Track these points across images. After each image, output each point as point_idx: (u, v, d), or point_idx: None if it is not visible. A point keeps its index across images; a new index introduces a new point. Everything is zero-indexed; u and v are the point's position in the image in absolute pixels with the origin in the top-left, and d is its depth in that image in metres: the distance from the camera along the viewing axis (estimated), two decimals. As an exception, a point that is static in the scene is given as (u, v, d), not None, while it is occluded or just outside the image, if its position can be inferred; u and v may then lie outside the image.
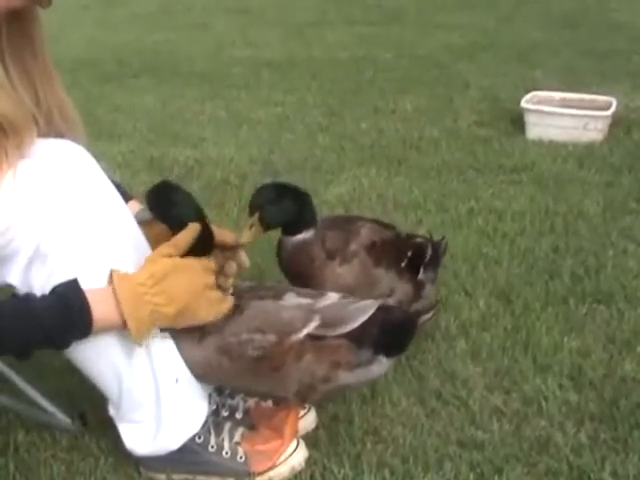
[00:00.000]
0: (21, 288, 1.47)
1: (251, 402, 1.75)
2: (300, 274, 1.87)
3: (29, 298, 1.41)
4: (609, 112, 3.64)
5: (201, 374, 1.59)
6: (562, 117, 3.66)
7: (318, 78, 4.96)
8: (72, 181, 1.48)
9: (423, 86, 4.71)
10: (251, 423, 1.71)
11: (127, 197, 1.68)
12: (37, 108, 1.54)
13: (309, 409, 1.76)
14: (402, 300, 1.98)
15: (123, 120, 4.17)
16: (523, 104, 3.74)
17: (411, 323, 1.67)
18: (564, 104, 3.81)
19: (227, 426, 1.66)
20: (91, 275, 1.45)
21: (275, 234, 1.89)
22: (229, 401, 1.73)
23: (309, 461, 1.67)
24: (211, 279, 1.52)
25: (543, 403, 1.83)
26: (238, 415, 1.71)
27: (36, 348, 1.41)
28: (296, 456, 1.65)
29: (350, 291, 1.74)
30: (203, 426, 1.62)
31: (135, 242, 1.58)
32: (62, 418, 1.75)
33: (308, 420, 1.76)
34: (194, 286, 1.49)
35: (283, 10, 7.69)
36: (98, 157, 1.59)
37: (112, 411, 1.61)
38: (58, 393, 1.81)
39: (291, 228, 1.87)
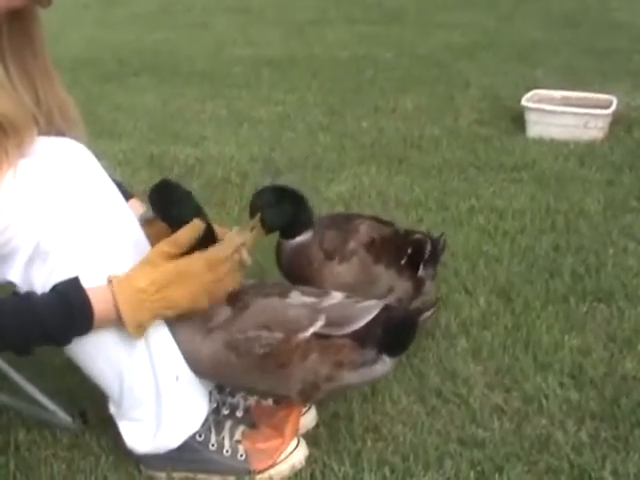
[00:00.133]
0: (22, 286, 1.47)
1: (252, 400, 1.75)
2: (300, 276, 1.86)
3: (30, 296, 1.42)
4: (610, 110, 3.64)
5: (208, 369, 1.59)
6: (563, 115, 3.66)
7: (319, 77, 4.96)
8: (73, 179, 1.48)
9: (424, 85, 4.70)
10: (252, 421, 1.71)
11: (128, 195, 1.69)
12: (37, 108, 1.55)
13: (309, 407, 1.76)
14: (402, 297, 1.98)
15: (124, 119, 4.17)
16: (524, 103, 3.74)
17: (412, 321, 1.67)
18: (565, 103, 3.81)
19: (228, 424, 1.66)
20: (91, 273, 1.45)
21: (276, 233, 1.89)
22: (230, 399, 1.73)
23: (309, 459, 1.67)
24: (216, 274, 1.52)
25: (544, 401, 1.83)
26: (239, 413, 1.71)
27: (37, 345, 1.41)
28: (296, 454, 1.65)
29: (350, 289, 1.74)
30: (204, 424, 1.62)
31: (135, 240, 1.58)
32: (63, 416, 1.75)
33: (308, 418, 1.76)
34: (196, 291, 1.50)
35: (283, 9, 7.69)
36: (99, 155, 1.59)
37: (112, 409, 1.62)
38: (59, 391, 1.81)
39: (289, 231, 1.87)
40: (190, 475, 1.63)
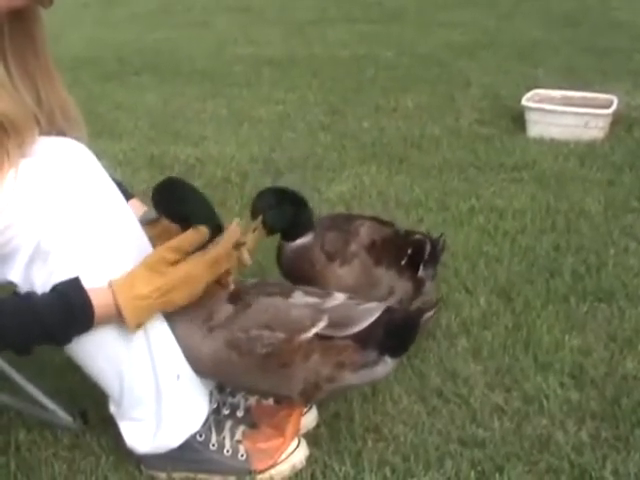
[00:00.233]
0: (22, 286, 1.47)
1: (252, 400, 1.75)
2: (302, 278, 1.86)
3: (30, 296, 1.42)
4: (610, 110, 3.64)
5: (209, 368, 1.59)
6: (563, 115, 3.65)
7: (319, 76, 4.96)
8: (73, 179, 1.48)
9: (424, 84, 4.70)
10: (252, 421, 1.71)
11: (128, 195, 1.68)
12: (39, 108, 1.55)
13: (310, 407, 1.76)
14: (402, 298, 1.98)
15: (124, 118, 4.17)
16: (524, 102, 3.74)
17: (414, 323, 1.67)
18: (565, 102, 3.81)
19: (228, 424, 1.66)
20: (92, 273, 1.45)
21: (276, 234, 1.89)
22: (230, 399, 1.73)
23: (310, 459, 1.67)
24: (216, 272, 1.52)
25: (544, 401, 1.83)
26: (239, 413, 1.72)
27: (37, 344, 1.42)
28: (297, 454, 1.65)
29: (351, 291, 1.74)
30: (204, 424, 1.62)
31: (136, 240, 1.58)
32: (63, 416, 1.75)
33: (309, 418, 1.76)
34: (197, 291, 1.51)
35: (284, 8, 7.69)
36: (99, 155, 1.59)
37: (113, 409, 1.61)
38: (59, 391, 1.81)
39: (290, 233, 1.87)
40: (190, 475, 1.63)
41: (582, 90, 3.97)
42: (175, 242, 1.49)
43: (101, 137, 3.70)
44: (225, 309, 1.58)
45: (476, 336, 2.09)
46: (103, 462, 1.67)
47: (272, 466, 1.63)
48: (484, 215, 2.83)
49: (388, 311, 1.63)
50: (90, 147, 1.58)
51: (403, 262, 1.99)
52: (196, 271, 1.49)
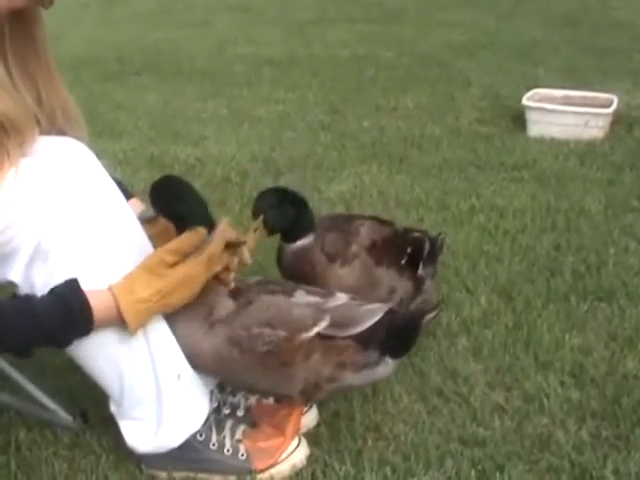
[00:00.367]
0: (23, 286, 1.47)
1: (252, 400, 1.75)
2: (302, 280, 1.85)
3: (29, 298, 1.42)
4: (610, 110, 3.63)
5: (210, 365, 1.59)
6: (563, 115, 3.65)
7: (319, 76, 4.96)
8: (73, 179, 1.48)
9: (424, 84, 4.70)
10: (253, 421, 1.71)
11: (128, 195, 1.68)
12: (39, 108, 1.55)
13: (310, 406, 1.76)
14: (403, 297, 1.98)
15: (125, 118, 4.17)
16: (524, 102, 3.73)
17: (415, 324, 1.67)
18: (565, 102, 3.81)
19: (229, 424, 1.66)
20: (92, 273, 1.45)
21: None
22: (230, 398, 1.73)
23: (310, 458, 1.67)
24: (212, 272, 1.53)
25: (544, 400, 1.83)
26: (240, 413, 1.72)
27: (37, 346, 1.41)
28: (297, 453, 1.65)
29: (352, 292, 1.74)
30: (204, 424, 1.62)
31: (136, 240, 1.58)
32: (63, 416, 1.75)
33: (309, 417, 1.76)
34: (195, 292, 1.51)
35: (284, 8, 7.69)
36: (99, 154, 1.59)
37: (113, 408, 1.61)
38: (59, 391, 1.81)
39: (290, 235, 1.87)
40: (191, 474, 1.63)
41: (582, 89, 3.97)
42: (174, 244, 1.49)
43: (101, 137, 3.70)
44: (226, 305, 1.58)
45: (476, 335, 2.09)
46: (103, 461, 1.67)
47: (272, 465, 1.63)
48: (484, 214, 2.83)
49: (390, 312, 1.63)
50: (90, 147, 1.58)
51: (403, 261, 1.99)
52: (194, 272, 1.49)
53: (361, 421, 1.78)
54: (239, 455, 1.63)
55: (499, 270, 2.43)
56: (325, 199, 2.97)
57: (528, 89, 3.93)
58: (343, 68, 5.16)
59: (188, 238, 1.50)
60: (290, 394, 1.61)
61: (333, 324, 1.57)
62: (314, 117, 4.11)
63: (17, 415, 1.81)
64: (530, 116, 3.71)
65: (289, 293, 1.62)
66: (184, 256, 1.49)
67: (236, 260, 1.63)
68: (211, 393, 1.66)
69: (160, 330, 1.54)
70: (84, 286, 1.42)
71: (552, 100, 3.83)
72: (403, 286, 1.98)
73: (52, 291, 1.41)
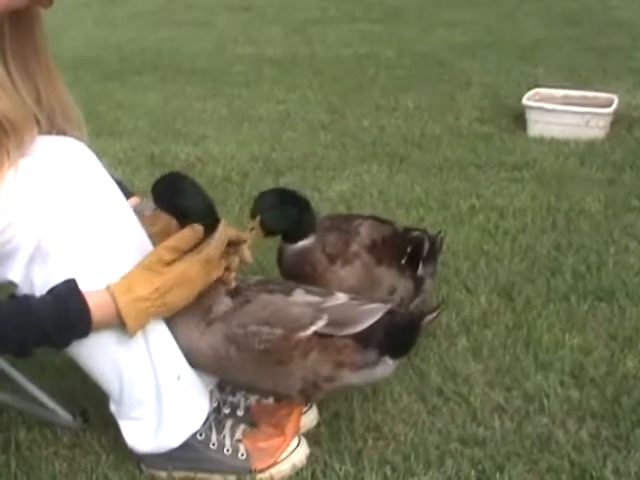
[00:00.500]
0: (22, 285, 1.47)
1: (252, 399, 1.75)
2: (303, 281, 1.85)
3: (28, 299, 1.42)
4: (611, 109, 3.63)
5: (209, 363, 1.59)
6: (564, 114, 3.65)
7: (320, 75, 4.96)
8: (73, 178, 1.48)
9: (425, 83, 4.70)
10: (253, 420, 1.71)
11: (128, 194, 1.69)
12: (39, 108, 1.55)
13: (310, 406, 1.76)
14: (403, 297, 1.98)
15: (125, 117, 4.17)
16: (525, 101, 3.73)
17: (415, 325, 1.67)
18: (566, 101, 3.81)
19: (228, 423, 1.66)
20: (92, 273, 1.45)
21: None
22: (230, 398, 1.73)
23: (310, 458, 1.67)
24: (209, 273, 1.52)
25: (544, 400, 1.83)
26: (239, 412, 1.72)
27: (36, 347, 1.41)
28: (297, 453, 1.65)
29: (353, 292, 1.74)
30: (204, 423, 1.62)
31: (136, 239, 1.58)
32: (63, 415, 1.75)
33: (309, 417, 1.76)
34: (193, 293, 1.51)
35: (284, 8, 7.68)
36: (99, 154, 1.59)
37: (113, 408, 1.61)
38: (59, 390, 1.81)
39: (291, 235, 1.87)
40: (191, 474, 1.63)
41: (583, 89, 3.97)
42: (172, 241, 1.49)
43: (102, 136, 3.70)
44: (224, 303, 1.58)
45: (476, 335, 2.09)
46: (103, 461, 1.67)
47: (272, 465, 1.63)
48: (484, 214, 2.83)
49: (390, 312, 1.63)
50: (90, 146, 1.58)
51: (403, 261, 1.99)
52: (191, 270, 1.49)
53: (361, 421, 1.78)
54: (239, 455, 1.63)
55: (499, 270, 2.43)
56: (325, 199, 2.97)
57: (528, 89, 3.93)
58: (344, 68, 5.16)
59: (185, 235, 1.50)
60: (289, 393, 1.61)
61: (331, 323, 1.57)
62: (314, 117, 4.11)
63: (17, 414, 1.81)
64: (530, 116, 3.71)
65: (288, 292, 1.62)
66: (182, 254, 1.49)
67: (237, 259, 1.63)
68: (211, 393, 1.66)
69: (159, 330, 1.54)
70: (84, 286, 1.42)
71: (552, 100, 3.83)
72: (404, 286, 1.98)
73: (50, 292, 1.41)
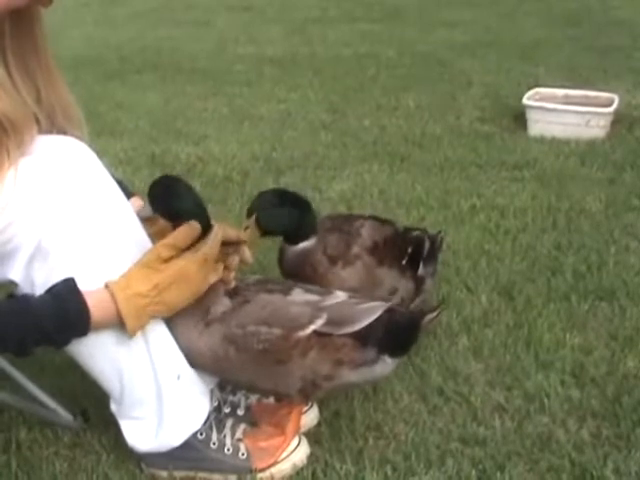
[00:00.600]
0: (23, 284, 1.47)
1: (253, 399, 1.75)
2: (304, 282, 1.85)
3: (27, 298, 1.42)
4: (611, 109, 3.63)
5: (208, 364, 1.58)
6: (564, 114, 3.65)
7: (320, 75, 4.96)
8: (74, 178, 1.48)
9: (425, 83, 4.70)
10: (253, 420, 1.71)
11: (129, 194, 1.68)
12: (39, 107, 1.55)
13: (311, 406, 1.76)
14: (404, 297, 1.97)
15: (125, 117, 4.17)
16: (525, 101, 3.73)
17: (415, 324, 1.67)
18: (566, 101, 3.81)
19: (229, 423, 1.66)
20: (92, 272, 1.45)
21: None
22: (231, 398, 1.73)
23: (311, 458, 1.67)
24: (205, 274, 1.52)
25: (545, 400, 1.83)
26: (240, 412, 1.71)
27: (35, 346, 1.41)
28: (298, 453, 1.65)
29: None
30: (205, 423, 1.62)
31: (137, 239, 1.58)
32: (64, 415, 1.75)
33: (310, 416, 1.76)
34: (190, 293, 1.51)
35: (285, 7, 7.68)
36: (100, 154, 1.59)
37: (114, 407, 1.61)
38: (60, 390, 1.81)
39: (292, 236, 1.87)
40: (191, 474, 1.63)
41: (583, 89, 3.97)
42: (170, 239, 1.49)
43: (102, 136, 3.70)
44: (223, 304, 1.58)
45: (477, 334, 2.09)
46: (104, 460, 1.67)
47: (273, 465, 1.63)
48: (485, 213, 2.83)
49: (389, 311, 1.63)
50: (91, 146, 1.58)
51: (404, 261, 1.99)
52: (189, 268, 1.48)
53: (362, 420, 1.78)
54: (239, 454, 1.63)
55: (500, 269, 2.43)
56: (326, 198, 2.97)
57: (529, 88, 3.93)
58: (344, 67, 5.16)
59: (182, 232, 1.50)
60: (288, 392, 1.60)
61: (330, 322, 1.56)
62: (315, 116, 4.11)
63: (18, 414, 1.81)
64: (531, 115, 3.71)
65: (286, 291, 1.62)
66: (179, 251, 1.49)
67: (237, 258, 1.63)
68: (211, 392, 1.66)
69: (159, 330, 1.54)
70: (84, 285, 1.42)
71: (553, 99, 3.83)
72: (404, 286, 1.98)
73: (49, 291, 1.41)
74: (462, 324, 2.15)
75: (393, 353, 1.62)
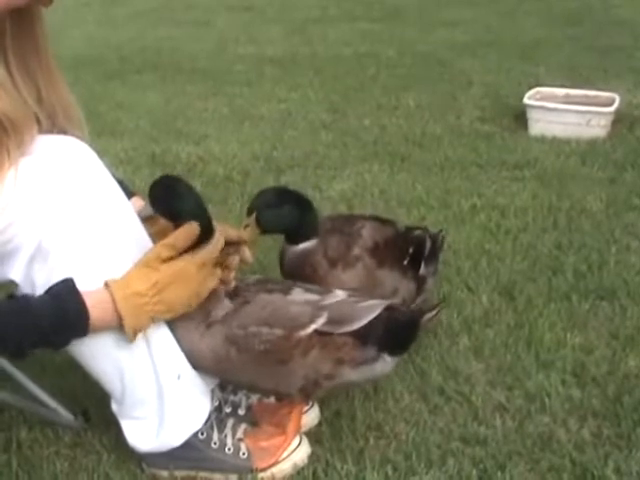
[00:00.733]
0: (23, 285, 1.47)
1: (254, 398, 1.75)
2: (304, 282, 1.85)
3: (26, 298, 1.42)
4: (612, 108, 3.63)
5: (210, 365, 1.59)
6: (565, 113, 3.65)
7: (321, 75, 4.95)
8: (74, 177, 1.48)
9: (426, 83, 4.70)
10: (254, 419, 1.71)
11: (129, 193, 1.68)
12: (40, 107, 1.55)
13: (312, 405, 1.76)
14: (406, 298, 1.97)
15: (126, 117, 4.17)
16: (526, 100, 3.73)
17: (414, 322, 1.67)
18: (567, 100, 3.80)
19: (230, 422, 1.66)
20: (93, 272, 1.45)
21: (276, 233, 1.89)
22: (232, 397, 1.73)
23: (312, 457, 1.67)
24: (204, 276, 1.52)
25: (546, 399, 1.83)
26: (241, 411, 1.71)
27: (34, 347, 1.41)
28: (299, 452, 1.65)
29: (354, 293, 1.74)
30: (206, 422, 1.62)
31: (137, 239, 1.58)
32: (65, 415, 1.75)
33: (311, 416, 1.76)
34: (190, 294, 1.50)
35: (285, 7, 7.68)
36: (101, 154, 1.59)
37: (115, 407, 1.61)
38: (61, 390, 1.81)
39: (293, 236, 1.86)
40: (192, 473, 1.63)
41: (584, 88, 3.97)
42: (170, 239, 1.49)
43: (102, 136, 3.69)
44: (223, 305, 1.58)
45: (478, 334, 2.09)
46: (105, 460, 1.67)
47: (274, 464, 1.63)
48: (486, 213, 2.83)
49: (389, 309, 1.63)
50: (91, 146, 1.58)
51: (405, 262, 1.98)
52: (188, 269, 1.48)
53: (362, 420, 1.78)
54: (240, 454, 1.63)
55: (500, 269, 2.43)
56: (326, 198, 2.97)
57: (530, 88, 3.93)
58: (344, 67, 5.16)
59: (182, 232, 1.50)
60: (289, 392, 1.61)
61: (330, 321, 1.57)
62: (315, 116, 4.11)
63: (18, 414, 1.81)
64: (532, 115, 3.71)
65: (286, 291, 1.62)
66: (178, 251, 1.49)
67: (237, 258, 1.63)
68: (212, 392, 1.66)
69: (159, 331, 1.54)
70: (85, 285, 1.42)
71: (554, 99, 3.82)
72: (406, 287, 1.98)
73: (48, 291, 1.41)
74: (463, 324, 2.14)
75: (393, 351, 1.62)
